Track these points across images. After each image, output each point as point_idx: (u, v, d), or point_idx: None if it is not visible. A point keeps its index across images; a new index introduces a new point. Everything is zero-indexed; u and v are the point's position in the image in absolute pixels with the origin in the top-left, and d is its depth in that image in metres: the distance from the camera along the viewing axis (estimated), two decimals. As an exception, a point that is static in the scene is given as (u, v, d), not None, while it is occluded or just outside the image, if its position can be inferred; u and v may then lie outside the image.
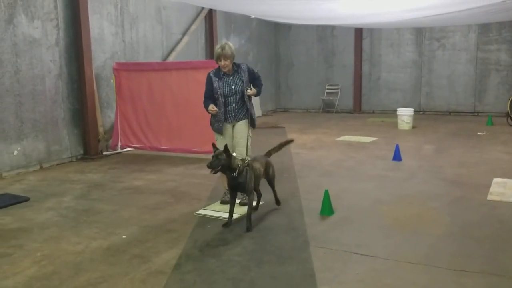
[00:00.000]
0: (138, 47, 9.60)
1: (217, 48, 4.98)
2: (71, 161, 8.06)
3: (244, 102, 5.17)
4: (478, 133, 10.30)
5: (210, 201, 5.51)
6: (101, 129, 8.55)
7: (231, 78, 5.12)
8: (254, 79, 5.26)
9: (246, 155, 4.80)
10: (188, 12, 11.14)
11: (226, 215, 4.88)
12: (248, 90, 5.10)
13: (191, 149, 8.04)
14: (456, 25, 13.39)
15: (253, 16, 13.28)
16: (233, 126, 5.26)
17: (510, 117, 11.28)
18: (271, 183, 5.12)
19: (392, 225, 4.63)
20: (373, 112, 14.87)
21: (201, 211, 5.10)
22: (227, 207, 5.19)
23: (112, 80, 8.73)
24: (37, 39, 7.40)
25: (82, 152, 8.30)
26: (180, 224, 4.73)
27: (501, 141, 9.21)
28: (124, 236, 4.40)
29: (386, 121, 12.49)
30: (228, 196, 4.92)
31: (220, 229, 4.53)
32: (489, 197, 5.43)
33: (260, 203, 5.20)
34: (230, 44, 5.03)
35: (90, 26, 8.18)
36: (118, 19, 9.02)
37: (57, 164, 7.78)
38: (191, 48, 11.27)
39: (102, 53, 8.68)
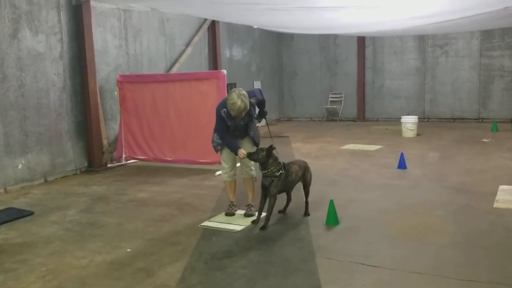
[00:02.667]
0: (142, 59, 9.66)
1: (237, 106, 4.76)
2: (76, 174, 8.08)
3: (247, 130, 5.23)
4: (483, 139, 10.24)
5: (215, 212, 5.49)
6: (105, 141, 8.58)
7: (241, 121, 5.10)
8: (261, 107, 5.32)
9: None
10: (191, 23, 11.22)
11: (232, 227, 4.89)
12: (243, 152, 4.96)
13: (196, 160, 8.04)
14: (459, 32, 13.39)
15: (255, 27, 13.34)
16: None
17: (515, 123, 11.24)
18: (306, 188, 5.22)
19: (398, 235, 4.59)
20: (377, 120, 14.84)
21: (206, 223, 5.08)
22: (232, 218, 5.21)
23: (115, 92, 8.78)
24: (41, 53, 7.46)
25: (86, 164, 8.31)
26: (185, 236, 4.71)
27: (507, 148, 9.15)
28: (128, 250, 4.39)
29: (390, 129, 12.45)
30: (232, 209, 5.34)
31: (225, 241, 4.51)
32: (495, 205, 5.38)
33: (265, 213, 5.17)
34: (244, 94, 4.84)
35: (94, 39, 8.25)
36: (121, 32, 9.09)
37: (62, 177, 7.80)
38: (194, 59, 11.32)
39: (105, 66, 8.73)
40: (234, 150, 5.06)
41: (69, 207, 5.97)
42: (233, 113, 4.88)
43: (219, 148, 5.27)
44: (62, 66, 7.85)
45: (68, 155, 7.99)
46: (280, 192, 4.95)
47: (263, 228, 4.75)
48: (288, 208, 5.37)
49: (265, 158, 4.75)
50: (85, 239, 4.76)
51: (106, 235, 4.85)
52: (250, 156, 4.84)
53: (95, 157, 8.29)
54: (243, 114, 4.94)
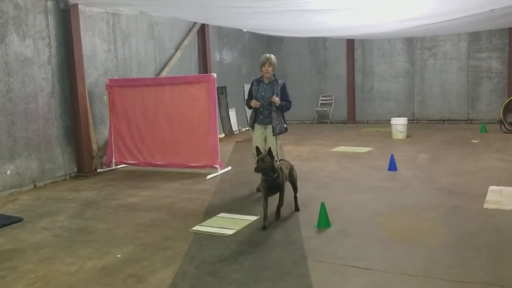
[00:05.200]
0: (131, 63, 9.61)
1: (264, 56, 6.19)
2: (65, 179, 7.99)
3: (270, 111, 6.17)
4: (472, 140, 10.33)
5: (206, 216, 5.46)
6: (94, 146, 8.51)
7: (265, 86, 6.24)
8: (285, 97, 6.23)
9: (277, 156, 5.42)
10: (181, 27, 11.19)
11: (223, 231, 4.87)
12: (274, 97, 6.02)
13: (186, 164, 8.01)
14: (447, 34, 13.53)
15: (245, 30, 13.36)
16: (266, 129, 6.31)
17: (504, 124, 11.35)
18: (294, 185, 5.53)
19: (389, 237, 4.60)
20: (367, 122, 14.92)
21: (197, 227, 5.05)
22: (223, 222, 5.18)
23: (105, 97, 8.71)
24: (29, 58, 7.38)
25: (76, 169, 8.23)
26: (176, 241, 4.67)
27: (496, 149, 9.24)
28: (119, 255, 4.34)
29: (380, 131, 12.52)
30: None
31: (216, 246, 4.49)
32: (485, 206, 5.42)
33: (257, 217, 5.19)
34: (273, 56, 6.22)
35: (83, 43, 8.19)
36: (110, 36, 9.03)
37: (51, 183, 7.71)
38: (184, 63, 11.29)
39: (94, 70, 8.67)
40: (247, 104, 6.30)
41: (59, 213, 5.90)
42: (262, 67, 6.12)
43: (249, 122, 6.53)
44: (51, 70, 7.78)
45: (58, 161, 7.91)
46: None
47: (277, 219, 5.14)
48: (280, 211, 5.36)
49: (271, 161, 4.91)
50: (75, 245, 4.70)
51: (96, 240, 4.80)
52: (260, 168, 4.89)
53: (84, 162, 8.21)
54: (270, 69, 6.12)
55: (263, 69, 6.15)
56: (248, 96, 6.38)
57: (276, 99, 6.03)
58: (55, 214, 5.87)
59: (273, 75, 6.27)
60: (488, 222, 4.88)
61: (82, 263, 4.18)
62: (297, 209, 5.50)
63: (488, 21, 10.15)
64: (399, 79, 14.50)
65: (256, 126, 6.37)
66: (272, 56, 6.22)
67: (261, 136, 6.32)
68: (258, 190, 6.30)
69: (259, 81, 6.30)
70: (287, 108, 6.32)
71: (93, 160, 8.44)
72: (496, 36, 13.10)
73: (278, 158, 5.39)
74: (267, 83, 6.22)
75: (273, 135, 6.21)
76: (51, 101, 7.80)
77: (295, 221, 5.14)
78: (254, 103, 6.16)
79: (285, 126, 6.39)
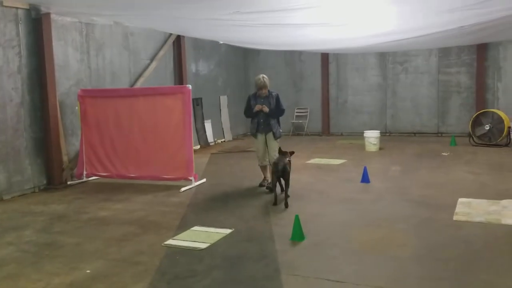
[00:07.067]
0: (105, 74, 9.48)
1: (260, 81, 7.23)
2: (34, 192, 7.76)
3: (269, 120, 7.31)
4: (443, 153, 10.58)
5: (179, 230, 5.38)
6: (65, 158, 8.31)
7: (262, 100, 7.32)
8: (278, 105, 7.38)
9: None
10: (156, 38, 11.13)
11: (196, 245, 4.84)
12: (263, 106, 7.21)
13: (160, 176, 7.91)
14: (418, 49, 13.88)
15: (221, 42, 13.39)
16: (265, 136, 7.38)
17: (472, 137, 11.67)
18: (287, 180, 6.45)
19: (362, 249, 4.64)
20: (342, 134, 15.10)
21: (170, 241, 4.97)
22: (197, 235, 5.13)
23: (76, 107, 8.55)
24: (-2, 67, 7.20)
25: (45, 182, 8.01)
26: (148, 256, 4.58)
27: (465, 161, 9.48)
28: (88, 271, 4.22)
29: (354, 143, 12.68)
30: (264, 182, 7.52)
31: (189, 260, 4.42)
32: (455, 217, 5.53)
33: (231, 230, 5.17)
34: (266, 77, 7.30)
35: (54, 52, 8.04)
36: (83, 46, 8.90)
37: (19, 196, 7.48)
38: (159, 74, 11.21)
39: (66, 80, 8.51)
40: (247, 114, 7.51)
41: (26, 227, 5.71)
42: (256, 87, 7.27)
43: (250, 131, 7.63)
44: (20, 80, 7.60)
45: (26, 173, 7.69)
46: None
47: (287, 206, 6.23)
48: (254, 224, 5.37)
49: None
50: (42, 260, 4.56)
51: (64, 256, 4.66)
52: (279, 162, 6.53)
53: (54, 174, 8.01)
54: (264, 91, 7.23)
55: (260, 91, 7.27)
56: (248, 108, 7.46)
57: (265, 108, 7.23)
58: (22, 228, 5.68)
59: (268, 90, 7.36)
60: (457, 234, 4.98)
61: (49, 280, 4.05)
62: (286, 205, 6.26)
63: (458, 37, 10.48)
64: (372, 93, 14.77)
65: (258, 135, 7.44)
66: (266, 79, 7.27)
67: (263, 142, 7.43)
68: (260, 185, 7.56)
69: (256, 96, 7.39)
70: (279, 114, 7.44)
71: (64, 172, 8.24)
72: (465, 52, 13.52)
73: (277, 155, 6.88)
74: (263, 97, 7.31)
75: (275, 139, 7.38)
76: (20, 111, 7.60)
77: (269, 234, 5.12)
78: (259, 107, 7.24)
79: (281, 131, 7.57)
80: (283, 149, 6.86)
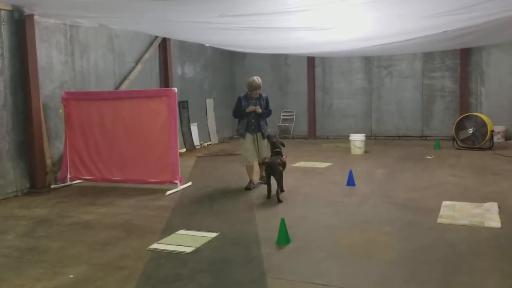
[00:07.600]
0: (89, 76, 9.38)
1: (256, 83, 7.58)
2: (16, 196, 7.63)
3: (259, 121, 7.58)
4: (427, 156, 10.69)
5: (164, 234, 5.34)
6: (49, 161, 8.19)
7: (253, 101, 7.61)
8: (268, 107, 7.78)
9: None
10: (142, 40, 11.06)
11: (181, 249, 4.80)
12: (257, 107, 7.52)
13: (145, 180, 7.84)
14: (403, 54, 14.04)
15: (207, 45, 13.36)
16: (255, 136, 7.63)
17: (456, 140, 11.83)
18: (278, 179, 6.76)
19: (347, 252, 4.66)
20: (327, 137, 15.18)
21: (155, 245, 4.93)
22: (182, 239, 5.10)
23: (60, 110, 8.44)
24: (-21, 69, 7.07)
25: (28, 186, 7.89)
26: (132, 260, 4.54)
27: (449, 164, 9.59)
28: (71, 276, 4.16)
29: (339, 146, 12.75)
30: (251, 185, 7.62)
31: (174, 264, 4.39)
32: (439, 220, 5.59)
33: (217, 234, 5.14)
34: (259, 78, 7.66)
35: (38, 55, 7.93)
36: (68, 48, 8.80)
37: (1, 199, 7.34)
38: (145, 76, 11.14)
39: (50, 82, 8.40)
40: (236, 115, 7.73)
41: (8, 232, 5.61)
42: (249, 88, 7.56)
43: (239, 132, 7.77)
44: (3, 82, 7.48)
45: (9, 176, 7.56)
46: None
47: (280, 201, 6.59)
48: (240, 228, 5.37)
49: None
50: (24, 265, 4.48)
51: (47, 260, 4.59)
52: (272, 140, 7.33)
53: (37, 177, 7.88)
54: (256, 92, 7.56)
55: (253, 92, 7.56)
56: (237, 108, 7.65)
57: (259, 108, 7.54)
58: (4, 232, 5.58)
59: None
60: (441, 237, 5.03)
61: (32, 285, 3.98)
62: (279, 200, 6.63)
63: (442, 42, 10.63)
64: (357, 96, 14.89)
65: (248, 135, 7.63)
66: (260, 80, 7.65)
67: (252, 142, 7.65)
68: (247, 189, 7.57)
69: (247, 97, 7.63)
70: (268, 115, 7.80)
71: (47, 175, 8.12)
72: (448, 57, 13.72)
73: (266, 157, 7.28)
74: (255, 99, 7.60)
75: (264, 138, 7.64)
76: (2, 114, 7.47)
77: (255, 238, 5.11)
78: (252, 107, 7.51)
79: (269, 130, 7.84)
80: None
